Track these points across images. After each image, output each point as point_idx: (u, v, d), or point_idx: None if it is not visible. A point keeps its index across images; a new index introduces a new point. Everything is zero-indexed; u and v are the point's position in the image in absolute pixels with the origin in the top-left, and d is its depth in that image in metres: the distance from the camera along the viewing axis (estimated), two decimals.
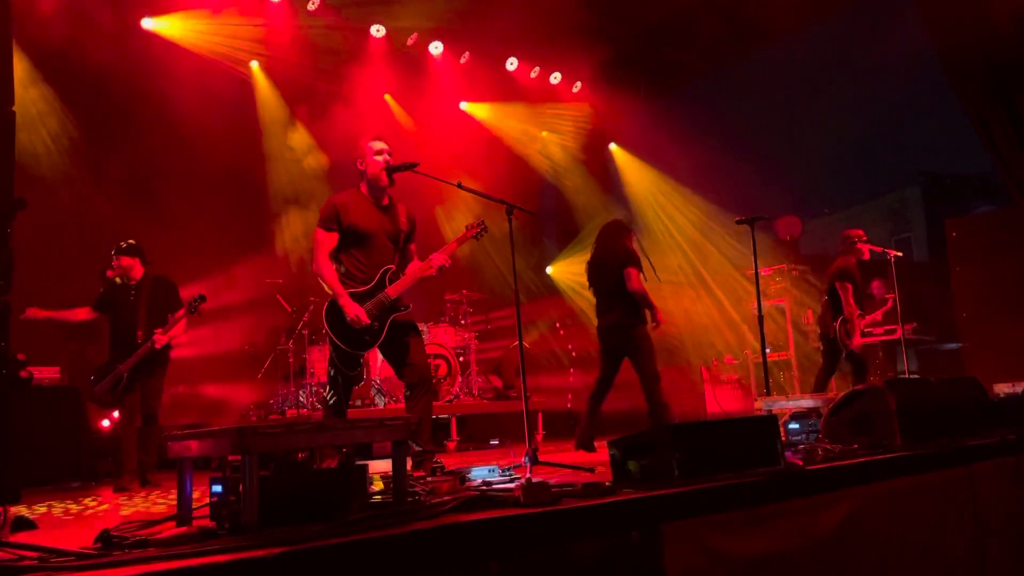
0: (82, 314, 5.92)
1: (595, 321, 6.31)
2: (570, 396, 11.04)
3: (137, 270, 5.91)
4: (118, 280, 5.90)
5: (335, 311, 4.35)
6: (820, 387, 7.17)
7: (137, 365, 5.69)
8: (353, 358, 4.43)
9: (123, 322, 5.84)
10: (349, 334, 4.35)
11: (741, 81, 11.05)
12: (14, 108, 2.28)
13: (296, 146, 9.80)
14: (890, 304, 7.58)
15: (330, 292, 4.39)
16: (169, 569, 1.84)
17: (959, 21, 7.63)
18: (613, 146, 12.49)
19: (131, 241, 5.93)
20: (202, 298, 5.78)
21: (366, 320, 4.29)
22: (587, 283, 6.31)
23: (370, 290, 4.42)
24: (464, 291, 9.46)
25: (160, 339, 5.70)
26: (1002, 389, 6.17)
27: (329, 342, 4.45)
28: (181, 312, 5.81)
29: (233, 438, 2.39)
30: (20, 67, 7.59)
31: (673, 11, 9.90)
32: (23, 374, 6.27)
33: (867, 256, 7.41)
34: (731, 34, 10.34)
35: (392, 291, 4.43)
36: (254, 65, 9.56)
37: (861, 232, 7.47)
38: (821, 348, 7.57)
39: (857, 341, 7.06)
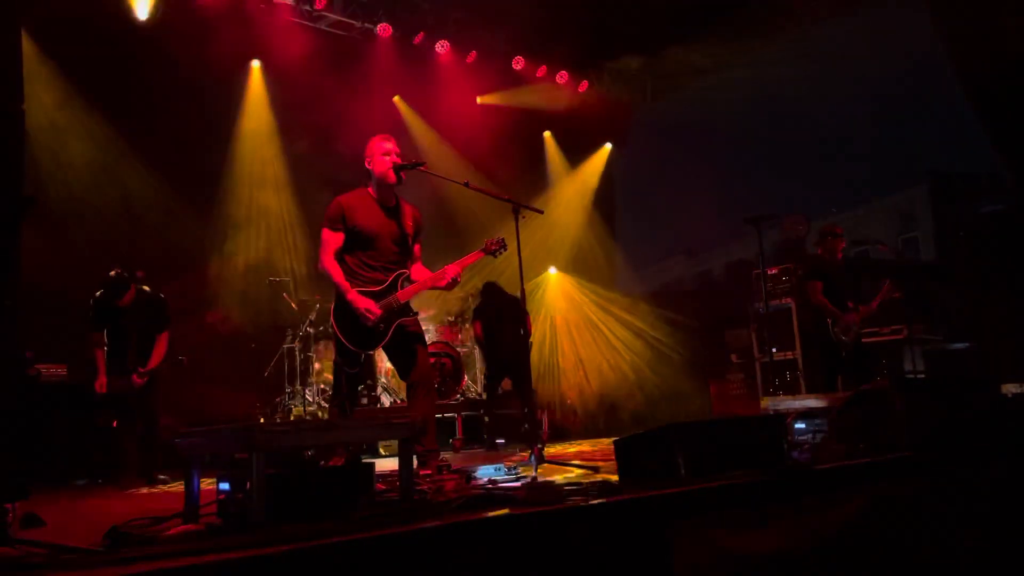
0: (100, 350, 5.96)
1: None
2: (572, 395, 11.03)
3: (132, 294, 5.92)
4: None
5: (343, 308, 4.36)
6: (829, 389, 7.10)
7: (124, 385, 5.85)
8: (355, 356, 4.44)
9: (114, 346, 5.95)
10: (354, 332, 4.36)
11: (746, 80, 11.01)
12: (23, 107, 2.29)
13: (299, 143, 9.77)
14: (885, 289, 7.37)
15: (338, 290, 4.40)
16: (177, 566, 1.84)
17: (971, 23, 7.60)
18: (608, 146, 12.49)
19: (121, 273, 5.86)
20: (180, 360, 6.15)
21: (377, 311, 4.30)
22: (478, 320, 7.87)
23: (381, 291, 4.43)
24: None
25: (138, 381, 5.87)
26: (1010, 389, 6.12)
27: (334, 339, 4.47)
28: (161, 355, 5.98)
29: (240, 437, 2.40)
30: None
31: (678, 10, 9.89)
32: (30, 371, 6.34)
33: (840, 255, 7.29)
34: (735, 33, 10.31)
35: (402, 296, 4.45)
36: (255, 64, 9.53)
37: (839, 228, 7.28)
38: (819, 353, 7.44)
39: (852, 335, 6.98)
